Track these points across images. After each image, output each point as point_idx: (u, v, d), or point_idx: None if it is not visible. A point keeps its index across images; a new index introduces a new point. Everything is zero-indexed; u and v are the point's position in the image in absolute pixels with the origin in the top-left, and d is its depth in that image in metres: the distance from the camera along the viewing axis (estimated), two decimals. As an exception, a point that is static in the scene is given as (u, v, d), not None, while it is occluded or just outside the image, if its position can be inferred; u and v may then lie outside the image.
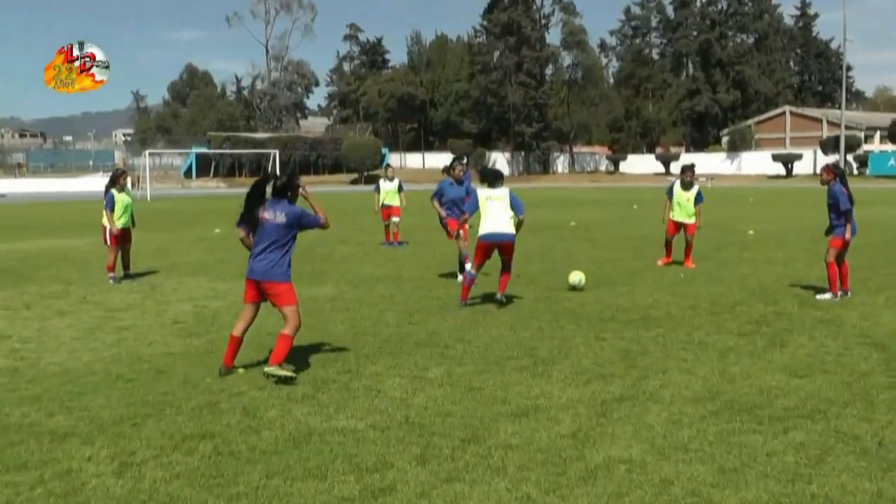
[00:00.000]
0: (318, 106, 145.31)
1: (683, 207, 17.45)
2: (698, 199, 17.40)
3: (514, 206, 12.80)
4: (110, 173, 17.39)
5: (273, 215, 8.80)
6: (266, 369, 8.61)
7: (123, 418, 7.48)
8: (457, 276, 15.78)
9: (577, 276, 14.62)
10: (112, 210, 16.16)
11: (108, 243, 16.29)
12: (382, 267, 17.93)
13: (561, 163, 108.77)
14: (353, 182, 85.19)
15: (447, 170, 16.54)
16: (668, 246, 17.77)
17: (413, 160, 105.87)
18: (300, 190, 9.02)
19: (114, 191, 16.28)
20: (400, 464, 6.30)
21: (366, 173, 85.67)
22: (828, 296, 13.27)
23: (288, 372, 8.57)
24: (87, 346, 10.61)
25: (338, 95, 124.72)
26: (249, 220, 8.97)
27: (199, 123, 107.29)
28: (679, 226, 17.55)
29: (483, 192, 12.99)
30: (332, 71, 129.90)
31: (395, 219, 22.54)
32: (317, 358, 9.68)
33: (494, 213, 12.74)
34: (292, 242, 8.93)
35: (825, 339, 10.45)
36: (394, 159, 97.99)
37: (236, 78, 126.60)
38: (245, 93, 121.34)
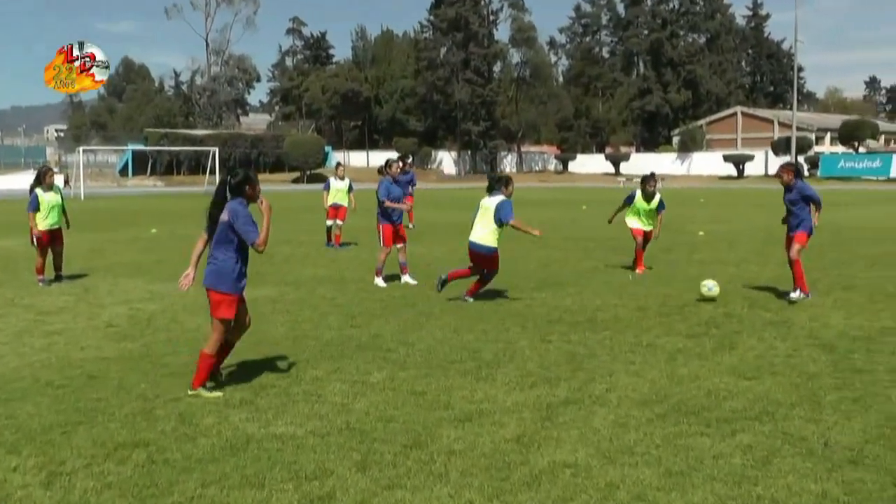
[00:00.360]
0: (260, 102, 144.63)
1: (646, 217, 17.06)
2: (660, 207, 17.07)
3: (497, 216, 13.43)
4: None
5: (225, 214, 8.36)
6: (189, 392, 8.32)
7: (53, 426, 7.39)
8: (399, 279, 15.82)
9: (712, 289, 13.63)
10: (36, 210, 15.82)
11: (35, 245, 15.96)
12: (324, 268, 17.88)
13: (509, 162, 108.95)
14: (296, 181, 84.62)
15: (383, 170, 16.50)
16: (638, 253, 17.13)
17: (357, 159, 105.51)
18: (260, 200, 8.49)
19: (39, 190, 15.89)
20: (340, 471, 6.29)
21: (308, 172, 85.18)
22: (801, 294, 13.41)
23: (212, 394, 8.28)
24: (14, 350, 10.46)
25: (280, 91, 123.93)
26: (210, 227, 8.50)
27: (135, 119, 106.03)
28: (641, 232, 17.10)
29: (483, 200, 13.87)
30: (275, 66, 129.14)
31: (339, 221, 22.47)
32: (255, 362, 9.63)
33: (477, 222, 13.70)
34: (241, 246, 8.40)
35: (774, 341, 10.62)
36: (337, 158, 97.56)
37: (175, 72, 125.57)
38: (184, 88, 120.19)
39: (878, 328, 11.37)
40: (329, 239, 22.53)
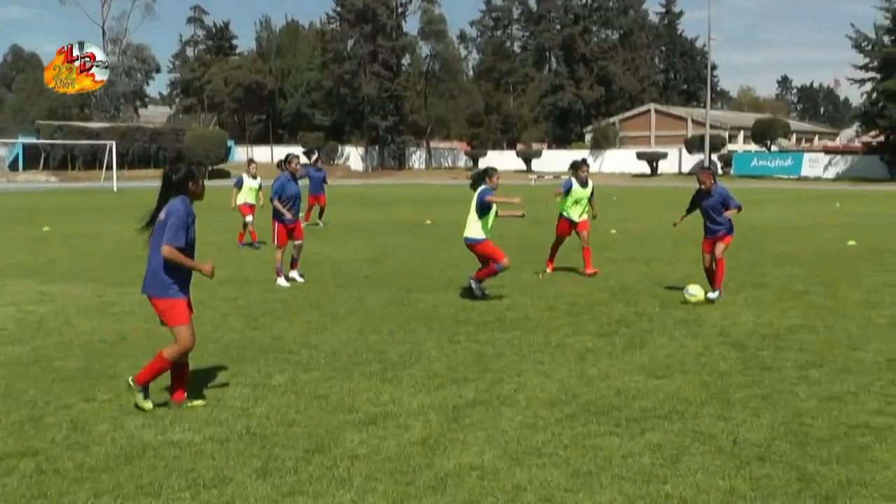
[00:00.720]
0: (160, 94, 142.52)
1: (581, 205, 16.84)
2: (591, 195, 17.02)
3: (477, 201, 13.93)
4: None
5: (163, 213, 7.85)
6: (129, 381, 7.99)
7: (-68, 435, 7.19)
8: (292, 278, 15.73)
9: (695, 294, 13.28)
10: None
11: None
12: (226, 268, 17.65)
13: (418, 158, 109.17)
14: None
15: (282, 164, 16.35)
16: (554, 250, 17.04)
17: (261, 154, 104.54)
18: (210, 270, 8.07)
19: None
20: (239, 478, 6.24)
21: (210, 167, 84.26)
22: (716, 293, 13.57)
23: (144, 404, 7.83)
24: None
25: (181, 83, 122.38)
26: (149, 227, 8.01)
27: (26, 111, 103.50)
28: (571, 226, 16.84)
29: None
30: (175, 56, 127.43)
31: (249, 218, 22.18)
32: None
33: (469, 217, 14.15)
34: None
35: (685, 340, 10.82)
36: (240, 153, 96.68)
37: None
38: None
39: (786, 326, 11.68)
40: (241, 237, 22.25)
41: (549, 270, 16.91)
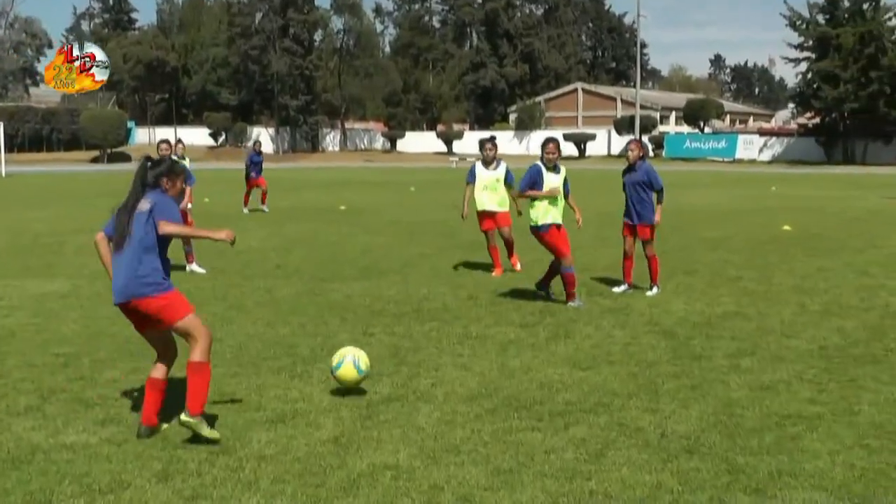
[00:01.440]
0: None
1: (492, 191, 15.24)
2: (508, 178, 15.22)
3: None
4: None
5: (146, 204, 7.26)
6: (183, 418, 6.98)
7: None
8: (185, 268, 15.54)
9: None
10: None
11: None
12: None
13: (331, 140, 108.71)
14: (94, 160, 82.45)
15: (168, 148, 16.18)
16: (492, 250, 15.53)
17: (164, 136, 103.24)
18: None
19: None
20: (138, 482, 6.18)
21: (109, 150, 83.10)
22: (655, 290, 13.46)
23: (211, 434, 6.96)
24: None
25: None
26: (119, 223, 7.33)
27: None
28: (492, 217, 15.36)
29: None
30: (69, 31, 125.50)
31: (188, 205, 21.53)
32: (44, 363, 9.36)
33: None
34: (157, 239, 7.31)
35: (612, 329, 10.97)
36: (141, 134, 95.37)
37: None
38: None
39: (718, 313, 11.89)
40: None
41: (496, 275, 15.43)
